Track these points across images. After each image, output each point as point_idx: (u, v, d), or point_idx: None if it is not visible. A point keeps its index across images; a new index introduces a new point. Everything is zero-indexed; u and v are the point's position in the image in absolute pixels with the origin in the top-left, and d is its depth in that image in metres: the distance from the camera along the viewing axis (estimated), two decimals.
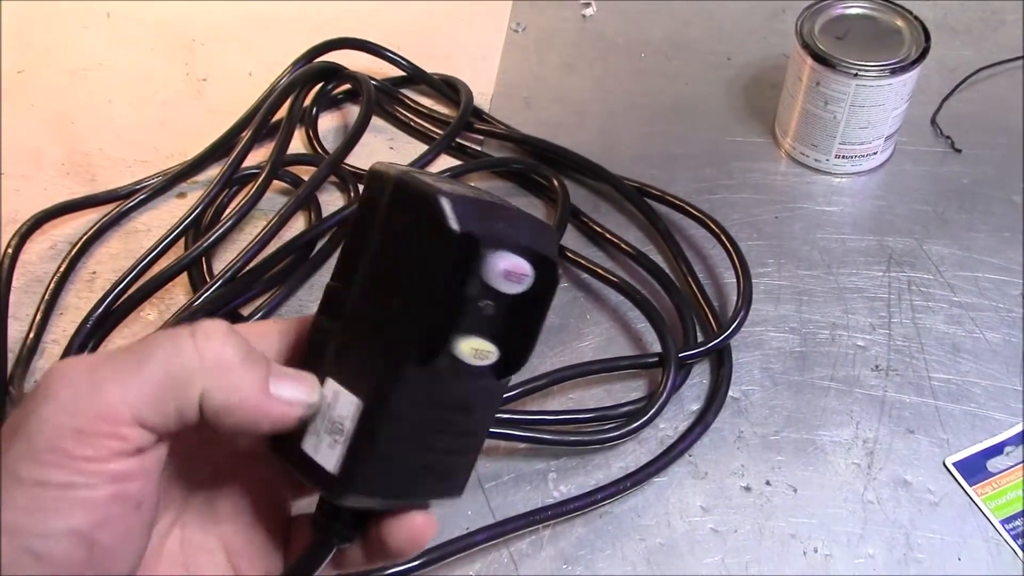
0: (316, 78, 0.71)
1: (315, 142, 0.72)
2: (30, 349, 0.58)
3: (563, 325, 0.61)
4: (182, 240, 0.64)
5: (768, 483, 0.54)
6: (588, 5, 0.83)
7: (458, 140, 0.71)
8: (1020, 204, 0.68)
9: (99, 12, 0.82)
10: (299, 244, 0.63)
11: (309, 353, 0.33)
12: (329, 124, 0.74)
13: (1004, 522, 0.52)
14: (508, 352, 0.32)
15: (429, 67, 0.76)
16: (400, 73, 0.75)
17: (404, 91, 0.75)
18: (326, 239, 0.65)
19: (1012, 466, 0.54)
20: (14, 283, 0.62)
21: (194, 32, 0.81)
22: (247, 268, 0.61)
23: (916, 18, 0.66)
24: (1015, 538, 0.51)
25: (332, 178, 0.69)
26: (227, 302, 0.59)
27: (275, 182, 0.68)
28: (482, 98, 0.75)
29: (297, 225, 0.66)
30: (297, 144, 0.72)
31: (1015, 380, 0.58)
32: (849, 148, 0.68)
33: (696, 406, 0.57)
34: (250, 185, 0.64)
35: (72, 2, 0.83)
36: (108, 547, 0.28)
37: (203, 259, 0.62)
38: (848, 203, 0.68)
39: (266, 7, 0.83)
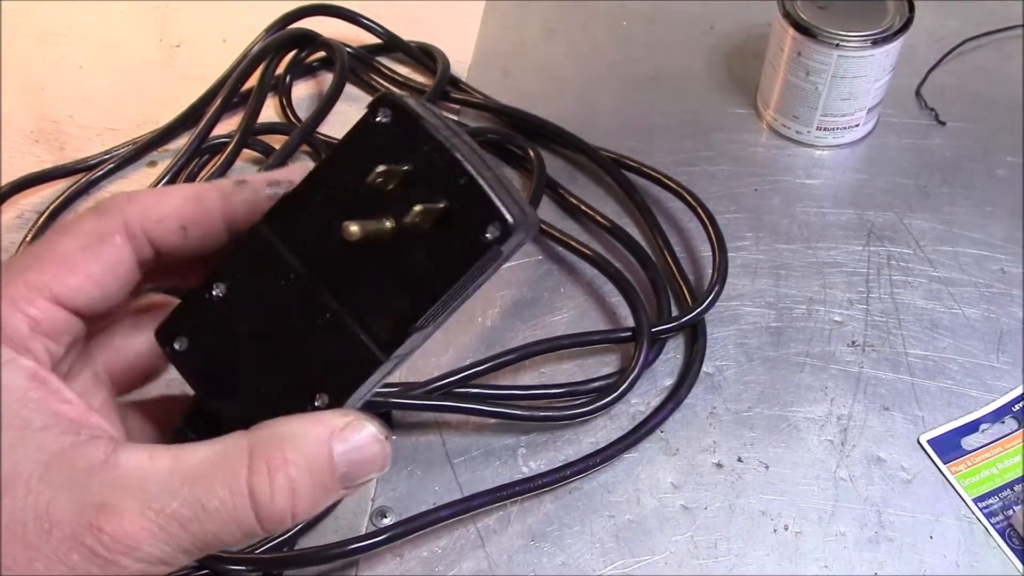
0: (289, 45, 0.70)
1: (289, 111, 0.71)
2: None
3: (536, 299, 0.60)
4: None
5: (740, 460, 0.53)
6: None
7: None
8: (1003, 178, 0.67)
9: None
10: None
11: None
12: (303, 92, 0.73)
13: (977, 500, 0.51)
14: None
15: (406, 34, 0.74)
16: (376, 40, 0.74)
17: (380, 59, 0.73)
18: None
19: (987, 444, 0.54)
20: None
21: None
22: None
23: None
24: (988, 516, 0.51)
25: (305, 147, 0.67)
26: None
27: (247, 151, 0.67)
28: (460, 66, 0.73)
29: None
30: (271, 113, 0.71)
31: (992, 357, 0.57)
32: (831, 120, 0.67)
33: (669, 381, 0.56)
34: (220, 154, 0.63)
35: None
36: None
37: None
38: (829, 176, 0.67)
39: None
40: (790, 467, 0.53)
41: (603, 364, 0.57)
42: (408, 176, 0.30)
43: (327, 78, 0.73)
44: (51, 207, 0.63)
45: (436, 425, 0.54)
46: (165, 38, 0.77)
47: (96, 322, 0.31)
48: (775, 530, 0.50)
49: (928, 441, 0.54)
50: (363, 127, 0.30)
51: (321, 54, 0.73)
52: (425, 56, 0.73)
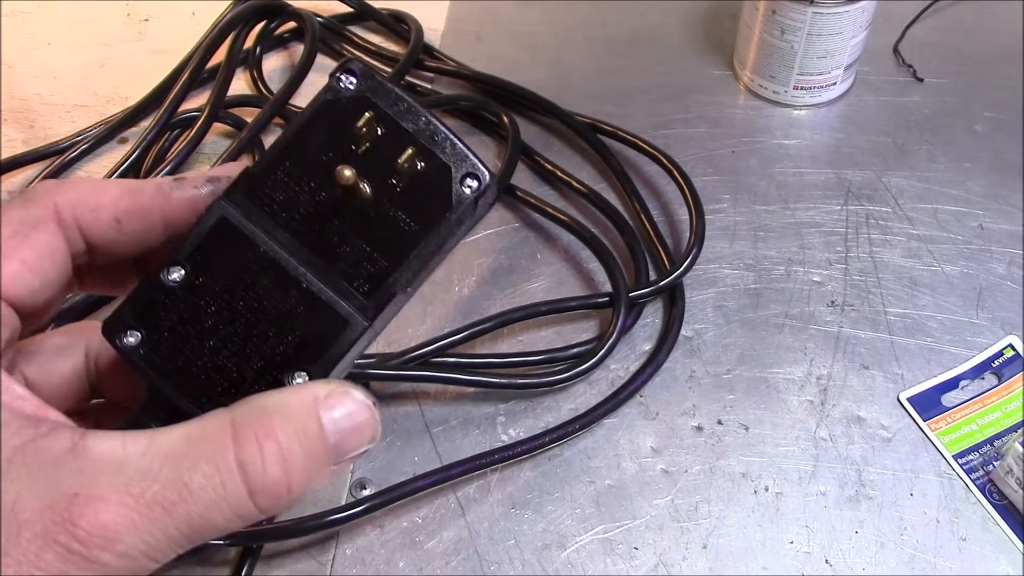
0: (258, 15, 0.69)
1: (260, 84, 0.70)
2: None
3: (513, 266, 0.59)
4: None
5: (720, 422, 0.53)
6: None
7: (408, 79, 0.69)
8: (981, 134, 0.66)
9: None
10: None
11: None
12: (275, 64, 0.72)
13: (957, 457, 0.51)
14: None
15: (377, 2, 0.73)
16: (347, 9, 0.73)
17: (351, 28, 0.73)
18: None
19: (967, 400, 0.53)
20: None
21: None
22: None
23: None
24: (968, 472, 0.51)
25: (277, 120, 0.66)
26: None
27: (218, 125, 0.66)
28: (432, 33, 0.72)
29: None
30: (243, 87, 0.70)
31: (972, 313, 0.57)
32: (808, 79, 0.66)
33: (648, 346, 0.56)
34: (190, 129, 0.62)
35: None
36: None
37: None
38: (807, 136, 0.67)
39: None
40: (770, 428, 0.52)
41: (581, 330, 0.57)
42: (379, 140, 0.29)
43: (298, 49, 0.72)
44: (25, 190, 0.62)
45: (414, 395, 0.54)
46: (133, 13, 0.75)
47: (29, 322, 0.29)
48: (755, 491, 0.50)
49: (908, 399, 0.53)
50: (329, 94, 0.30)
51: (291, 25, 0.72)
52: (397, 23, 0.72)
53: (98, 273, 0.31)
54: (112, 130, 0.65)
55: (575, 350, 0.54)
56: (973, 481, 0.50)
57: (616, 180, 0.63)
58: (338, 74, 0.30)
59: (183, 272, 0.29)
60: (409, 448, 0.52)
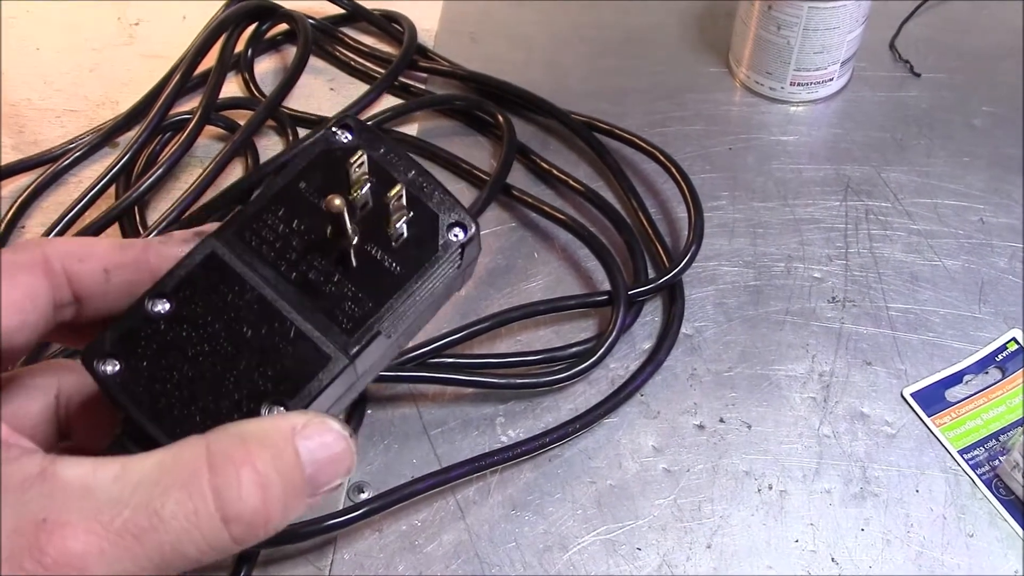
0: (249, 17, 0.68)
1: (253, 86, 0.69)
2: None
3: (510, 266, 0.59)
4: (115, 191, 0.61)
5: (722, 420, 0.52)
6: None
7: (402, 79, 0.68)
8: (980, 128, 0.66)
9: None
10: (237, 191, 0.61)
11: None
12: (268, 67, 0.71)
13: (962, 452, 0.51)
14: None
15: (369, 3, 0.73)
16: (339, 10, 0.72)
17: (344, 29, 0.72)
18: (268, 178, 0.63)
19: (971, 395, 0.53)
20: None
21: None
22: (182, 217, 0.59)
23: None
24: (974, 468, 0.50)
25: (270, 122, 0.66)
26: None
27: (212, 128, 0.65)
28: (426, 34, 0.72)
29: (235, 172, 0.64)
30: (236, 90, 0.70)
31: (974, 307, 0.56)
32: (804, 75, 0.66)
33: (648, 344, 0.55)
34: (182, 131, 0.62)
35: None
36: None
37: (135, 209, 0.60)
38: (804, 132, 0.66)
39: None
40: (773, 426, 0.52)
41: (580, 329, 0.56)
42: (371, 188, 0.31)
43: (291, 52, 0.72)
44: (20, 199, 0.61)
45: (412, 397, 0.53)
46: (124, 17, 0.75)
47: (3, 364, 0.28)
48: (759, 490, 0.50)
49: (911, 394, 0.53)
50: (324, 144, 0.31)
51: (283, 27, 0.71)
52: (390, 24, 0.71)
53: (78, 328, 0.30)
54: (105, 136, 0.65)
55: (574, 349, 0.54)
56: (979, 476, 0.50)
57: (613, 178, 0.62)
58: (334, 128, 0.31)
59: (168, 304, 0.29)
60: (407, 450, 0.51)
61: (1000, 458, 0.50)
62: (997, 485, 0.50)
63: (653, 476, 0.50)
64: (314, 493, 0.27)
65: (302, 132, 0.64)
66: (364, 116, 0.64)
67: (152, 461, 0.25)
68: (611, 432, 0.52)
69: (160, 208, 0.61)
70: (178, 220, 0.58)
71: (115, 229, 0.59)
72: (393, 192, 0.30)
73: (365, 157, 0.31)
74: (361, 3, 0.72)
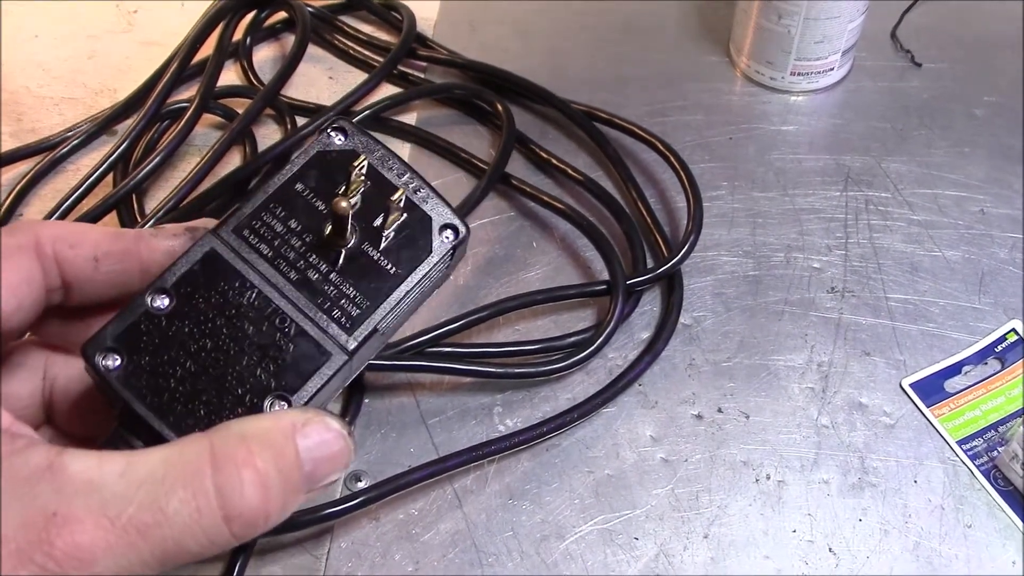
0: (248, 5, 0.68)
1: (251, 74, 0.69)
2: None
3: (509, 255, 0.59)
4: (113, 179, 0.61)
5: (720, 410, 0.52)
6: None
7: (401, 68, 0.68)
8: (981, 118, 0.66)
9: None
10: (235, 180, 0.60)
11: None
12: (265, 56, 0.71)
13: (961, 443, 0.51)
14: None
15: None
16: None
17: (343, 18, 0.72)
18: (262, 175, 0.62)
19: (970, 386, 0.53)
20: None
21: None
22: (180, 206, 0.58)
23: None
24: (972, 459, 0.50)
25: (268, 111, 0.65)
26: None
27: (209, 116, 0.65)
28: (425, 23, 0.72)
29: (233, 160, 0.63)
30: (234, 78, 0.69)
31: (974, 298, 0.56)
32: (805, 64, 0.65)
33: (646, 334, 0.55)
34: (180, 119, 0.61)
35: None
36: None
37: (133, 197, 0.59)
38: (805, 122, 0.66)
39: None
40: (771, 416, 0.52)
41: (579, 319, 0.56)
42: (367, 190, 0.32)
43: (289, 40, 0.71)
44: (18, 186, 0.61)
45: (410, 386, 0.53)
46: (122, 4, 0.75)
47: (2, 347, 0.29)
48: (757, 480, 0.50)
49: (910, 385, 0.53)
50: (319, 146, 0.33)
51: (282, 15, 0.71)
52: (389, 12, 0.71)
53: (66, 315, 0.31)
54: (103, 124, 0.64)
55: (572, 339, 0.54)
56: (978, 467, 0.50)
57: (612, 168, 0.62)
58: (328, 130, 0.33)
59: (168, 300, 0.30)
60: (405, 440, 0.51)
61: (999, 449, 0.50)
62: (995, 476, 0.49)
63: (651, 466, 0.50)
64: (311, 489, 0.27)
65: (300, 121, 0.64)
66: (362, 105, 0.64)
67: (156, 458, 0.25)
68: (609, 422, 0.52)
69: (158, 196, 0.60)
70: (176, 208, 0.58)
71: (113, 217, 0.59)
72: (396, 196, 0.32)
73: (367, 162, 0.32)
74: None
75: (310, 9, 0.69)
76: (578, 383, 0.53)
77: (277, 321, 0.30)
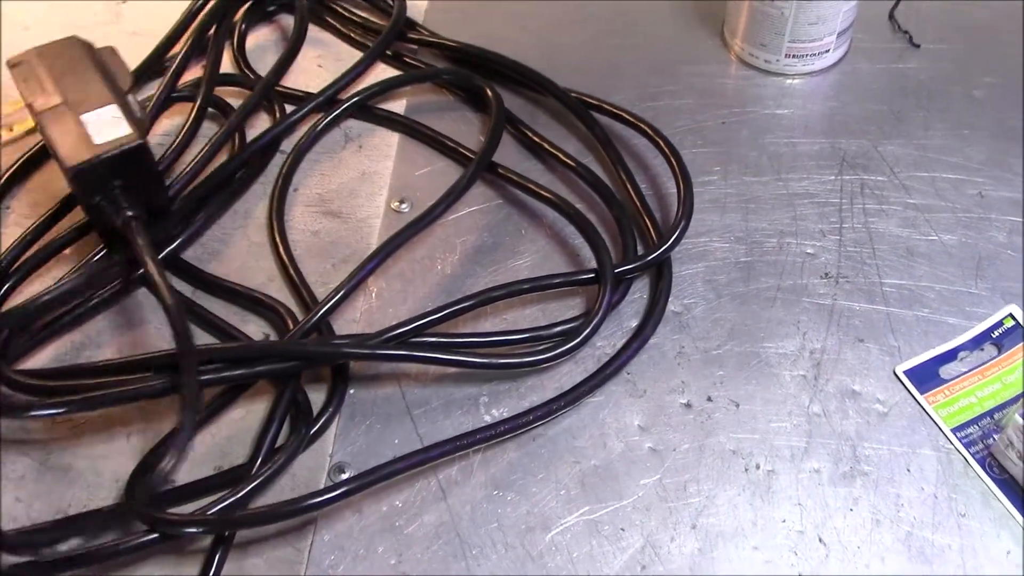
0: None
1: (242, 63, 0.68)
2: None
3: (496, 243, 0.58)
4: None
5: (709, 399, 0.51)
6: None
7: (396, 50, 0.67)
8: (980, 99, 0.64)
9: None
10: (225, 173, 0.60)
11: None
12: (254, 41, 0.70)
13: (955, 430, 0.50)
14: None
15: None
16: None
17: (335, 5, 0.71)
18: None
19: (965, 372, 0.52)
20: None
21: None
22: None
23: None
24: (967, 446, 0.49)
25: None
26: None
27: (183, 104, 0.64)
28: (417, 9, 0.71)
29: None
30: (226, 64, 0.68)
31: (971, 283, 0.55)
32: (800, 46, 0.64)
33: (636, 322, 0.54)
34: (187, 113, 0.61)
35: None
36: None
37: None
38: (799, 105, 0.65)
39: None
40: (761, 404, 0.51)
41: (568, 308, 0.55)
42: None
43: (281, 22, 0.71)
44: (3, 178, 0.61)
45: (394, 377, 0.52)
46: None
47: None
48: (747, 469, 0.49)
49: (904, 372, 0.52)
50: None
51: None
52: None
53: None
54: None
55: (560, 328, 0.53)
56: (972, 455, 0.49)
57: (603, 152, 0.61)
58: None
59: None
60: (389, 431, 0.50)
61: (994, 436, 0.49)
62: (990, 464, 0.48)
63: (638, 456, 0.49)
64: None
65: (289, 108, 0.63)
66: (350, 91, 0.63)
67: None
68: (596, 411, 0.51)
69: None
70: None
71: None
72: None
73: None
74: None
75: None
76: (565, 372, 0.52)
77: None
